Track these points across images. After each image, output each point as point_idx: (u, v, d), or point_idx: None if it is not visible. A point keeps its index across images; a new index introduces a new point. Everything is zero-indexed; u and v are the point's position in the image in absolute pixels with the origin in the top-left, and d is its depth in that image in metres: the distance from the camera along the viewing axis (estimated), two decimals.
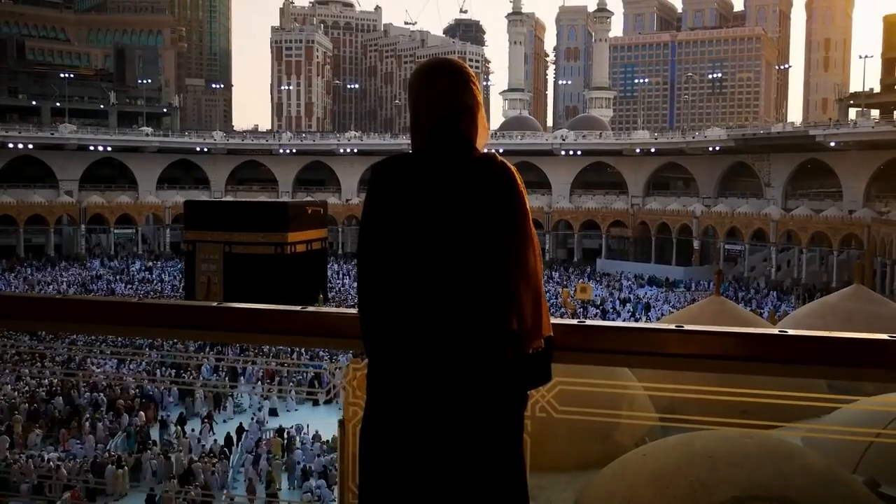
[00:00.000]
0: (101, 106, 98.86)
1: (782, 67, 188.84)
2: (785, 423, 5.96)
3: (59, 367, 31.39)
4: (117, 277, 63.12)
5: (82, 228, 76.58)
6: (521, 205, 2.25)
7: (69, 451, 22.92)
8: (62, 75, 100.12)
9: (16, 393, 27.89)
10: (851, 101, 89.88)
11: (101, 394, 27.90)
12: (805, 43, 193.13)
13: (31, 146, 76.82)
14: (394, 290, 2.22)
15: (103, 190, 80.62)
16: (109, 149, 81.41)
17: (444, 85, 2.33)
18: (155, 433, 25.18)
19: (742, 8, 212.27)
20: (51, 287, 57.54)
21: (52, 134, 79.43)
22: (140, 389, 28.40)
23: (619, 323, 2.62)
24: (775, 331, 2.42)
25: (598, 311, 50.12)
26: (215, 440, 24.54)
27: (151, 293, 55.22)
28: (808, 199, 68.21)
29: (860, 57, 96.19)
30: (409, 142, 2.39)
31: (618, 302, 53.90)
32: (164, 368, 31.18)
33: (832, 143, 63.07)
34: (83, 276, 62.95)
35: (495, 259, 2.21)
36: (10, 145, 75.36)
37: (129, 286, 58.89)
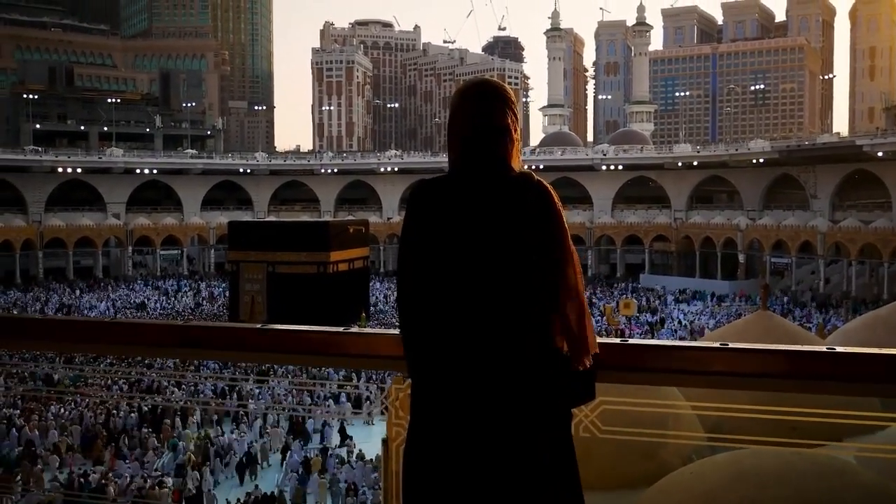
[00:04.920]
0: (147, 129, 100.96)
1: (826, 77, 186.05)
2: (836, 441, 5.83)
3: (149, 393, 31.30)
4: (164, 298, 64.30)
5: (129, 250, 78.09)
6: (559, 222, 2.25)
7: (115, 471, 23.20)
8: (109, 100, 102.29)
9: (69, 412, 28.31)
10: None
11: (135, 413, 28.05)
12: (850, 52, 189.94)
13: (79, 170, 78.55)
14: (435, 311, 2.23)
15: (149, 212, 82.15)
16: (155, 171, 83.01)
17: (482, 106, 2.35)
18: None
19: (784, 18, 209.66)
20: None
21: (99, 158, 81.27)
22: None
23: (663, 341, 2.59)
24: (823, 348, 2.37)
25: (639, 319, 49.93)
26: (256, 485, 22.44)
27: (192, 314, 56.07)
28: (857, 211, 66.72)
29: None
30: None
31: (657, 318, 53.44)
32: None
33: (880, 153, 61.72)
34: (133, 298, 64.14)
35: (534, 277, 2.22)
36: (60, 170, 77.13)
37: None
